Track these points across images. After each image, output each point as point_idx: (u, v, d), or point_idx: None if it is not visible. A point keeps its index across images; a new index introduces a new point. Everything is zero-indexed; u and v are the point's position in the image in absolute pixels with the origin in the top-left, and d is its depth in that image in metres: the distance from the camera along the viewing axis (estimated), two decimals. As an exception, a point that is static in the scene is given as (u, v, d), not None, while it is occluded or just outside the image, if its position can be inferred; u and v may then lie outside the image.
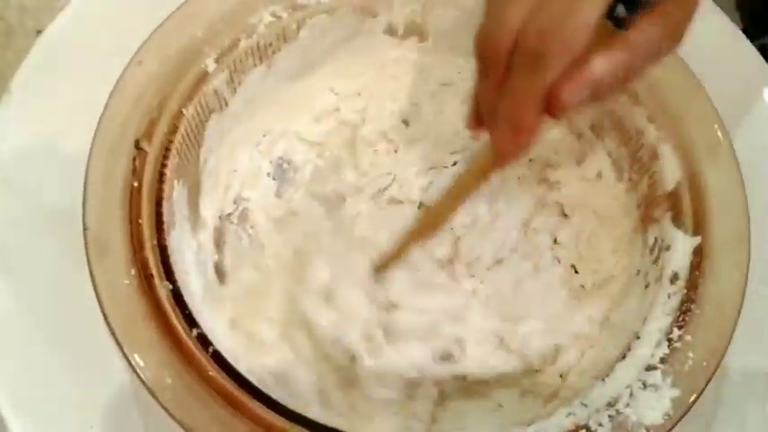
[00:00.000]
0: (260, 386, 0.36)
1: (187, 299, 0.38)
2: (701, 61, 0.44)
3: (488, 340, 0.46)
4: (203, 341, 0.36)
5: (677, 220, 0.42)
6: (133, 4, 0.42)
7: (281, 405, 0.36)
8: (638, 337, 0.39)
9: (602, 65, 0.31)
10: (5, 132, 0.44)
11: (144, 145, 0.40)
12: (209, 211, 0.46)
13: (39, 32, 0.48)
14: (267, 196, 0.49)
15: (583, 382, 0.41)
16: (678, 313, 0.39)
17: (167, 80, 0.42)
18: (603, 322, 0.45)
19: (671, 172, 0.43)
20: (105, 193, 0.38)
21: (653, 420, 0.36)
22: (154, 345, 0.36)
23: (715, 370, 0.37)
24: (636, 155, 0.46)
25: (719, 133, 0.44)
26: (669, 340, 0.38)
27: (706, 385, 0.37)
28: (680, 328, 0.38)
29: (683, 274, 0.40)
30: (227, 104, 0.46)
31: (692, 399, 0.36)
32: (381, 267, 0.45)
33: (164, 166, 0.40)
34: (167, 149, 0.40)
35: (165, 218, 0.39)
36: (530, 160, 0.50)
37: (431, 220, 0.43)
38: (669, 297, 0.40)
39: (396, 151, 0.50)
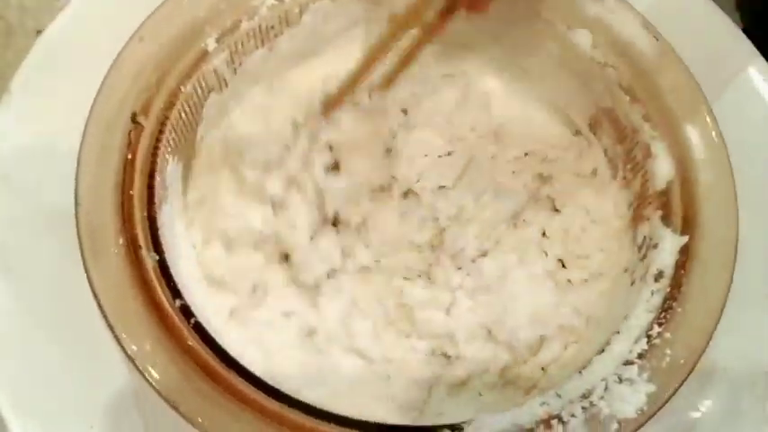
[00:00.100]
0: (239, 359, 0.37)
1: (173, 272, 0.38)
2: (700, 61, 0.44)
3: (477, 333, 0.46)
4: (186, 312, 0.37)
5: (666, 219, 0.42)
6: (133, 4, 0.42)
7: (260, 380, 0.37)
8: (618, 332, 0.39)
9: None
10: (5, 132, 0.44)
11: (140, 119, 0.41)
12: (203, 188, 0.46)
13: (39, 32, 0.48)
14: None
15: (563, 375, 0.42)
16: (660, 311, 0.39)
17: (167, 57, 0.42)
18: (589, 317, 0.45)
19: (663, 171, 0.43)
20: (98, 165, 0.39)
21: (625, 414, 0.36)
22: (139, 315, 0.36)
23: (693, 368, 0.37)
24: (630, 153, 0.46)
25: (714, 134, 0.43)
26: (648, 336, 0.38)
27: (682, 383, 0.37)
28: (660, 325, 0.39)
29: (668, 272, 0.40)
30: (226, 85, 0.46)
31: (668, 395, 0.37)
32: (328, 107, 0.46)
33: (158, 140, 0.41)
34: (163, 124, 0.41)
35: (157, 191, 0.40)
36: (525, 155, 0.50)
37: (371, 57, 0.44)
38: (652, 294, 0.40)
39: (393, 137, 0.50)
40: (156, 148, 0.41)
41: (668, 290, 0.40)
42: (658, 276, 0.40)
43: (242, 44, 0.46)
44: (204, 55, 0.44)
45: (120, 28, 0.42)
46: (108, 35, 0.42)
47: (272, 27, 0.47)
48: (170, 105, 0.42)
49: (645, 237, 0.43)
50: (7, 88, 0.45)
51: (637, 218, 0.45)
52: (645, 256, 0.43)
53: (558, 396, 0.37)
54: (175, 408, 0.34)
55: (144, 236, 0.38)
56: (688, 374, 0.37)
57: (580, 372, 0.38)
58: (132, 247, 0.38)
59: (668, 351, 0.38)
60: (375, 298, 0.47)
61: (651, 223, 0.43)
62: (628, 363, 0.38)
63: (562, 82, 0.49)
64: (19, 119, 0.45)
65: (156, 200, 0.40)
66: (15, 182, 0.44)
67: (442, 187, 0.48)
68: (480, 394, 0.44)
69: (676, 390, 0.37)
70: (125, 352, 0.35)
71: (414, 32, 0.46)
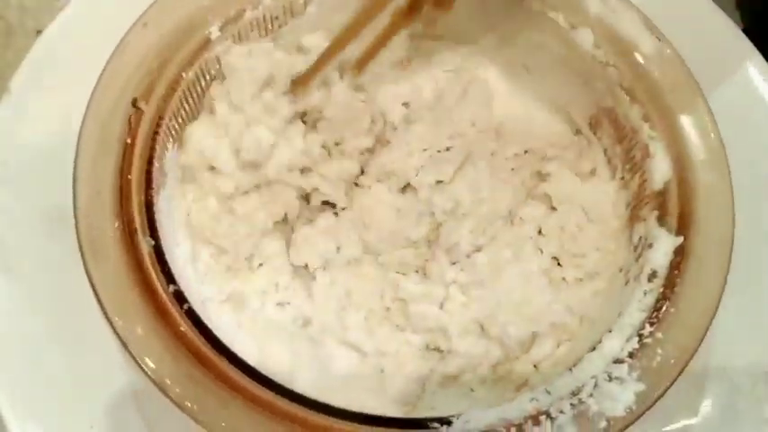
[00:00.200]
0: (231, 346, 0.37)
1: (168, 258, 0.38)
2: (700, 61, 0.44)
3: (470, 328, 0.46)
4: (179, 298, 0.37)
5: (662, 219, 0.42)
6: (133, 4, 0.43)
7: (252, 368, 0.37)
8: (610, 331, 0.39)
9: None
10: (5, 132, 0.45)
11: (141, 104, 0.41)
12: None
13: (39, 32, 0.48)
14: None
15: (555, 373, 0.42)
16: (652, 310, 0.39)
17: (170, 44, 0.43)
18: (583, 316, 0.45)
19: (661, 171, 0.43)
20: (98, 147, 0.39)
21: (614, 412, 0.36)
22: (134, 300, 0.37)
23: (683, 368, 0.37)
24: (629, 153, 0.46)
25: (713, 135, 0.43)
26: (640, 336, 0.38)
27: (672, 383, 0.37)
28: (652, 324, 0.39)
29: (662, 272, 0.40)
30: (228, 73, 0.46)
31: (657, 394, 0.37)
32: (299, 84, 0.46)
33: (158, 126, 0.41)
34: (163, 110, 0.41)
35: (155, 176, 0.40)
36: (525, 152, 0.50)
37: (340, 40, 0.44)
38: (645, 294, 0.40)
39: (394, 129, 0.50)
40: (155, 133, 0.41)
41: (661, 290, 0.40)
42: (652, 276, 0.40)
43: (245, 33, 0.46)
44: (207, 43, 0.44)
45: (120, 28, 0.42)
46: (108, 35, 0.42)
47: (277, 17, 0.47)
48: (171, 92, 0.42)
49: (641, 237, 0.43)
50: (7, 88, 0.45)
51: (633, 218, 0.45)
52: (640, 256, 0.43)
53: (548, 392, 0.37)
54: (165, 392, 0.35)
55: (140, 220, 0.38)
56: (678, 374, 0.37)
57: (570, 369, 0.38)
58: (128, 230, 0.38)
59: (659, 351, 0.38)
60: (370, 291, 0.47)
61: (647, 223, 0.43)
62: (618, 361, 0.38)
63: (564, 81, 0.49)
64: (19, 118, 0.45)
65: (154, 185, 0.40)
66: (15, 181, 0.44)
67: (439, 182, 0.48)
68: (472, 389, 0.44)
69: (666, 389, 0.37)
70: (118, 336, 0.36)
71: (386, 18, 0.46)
